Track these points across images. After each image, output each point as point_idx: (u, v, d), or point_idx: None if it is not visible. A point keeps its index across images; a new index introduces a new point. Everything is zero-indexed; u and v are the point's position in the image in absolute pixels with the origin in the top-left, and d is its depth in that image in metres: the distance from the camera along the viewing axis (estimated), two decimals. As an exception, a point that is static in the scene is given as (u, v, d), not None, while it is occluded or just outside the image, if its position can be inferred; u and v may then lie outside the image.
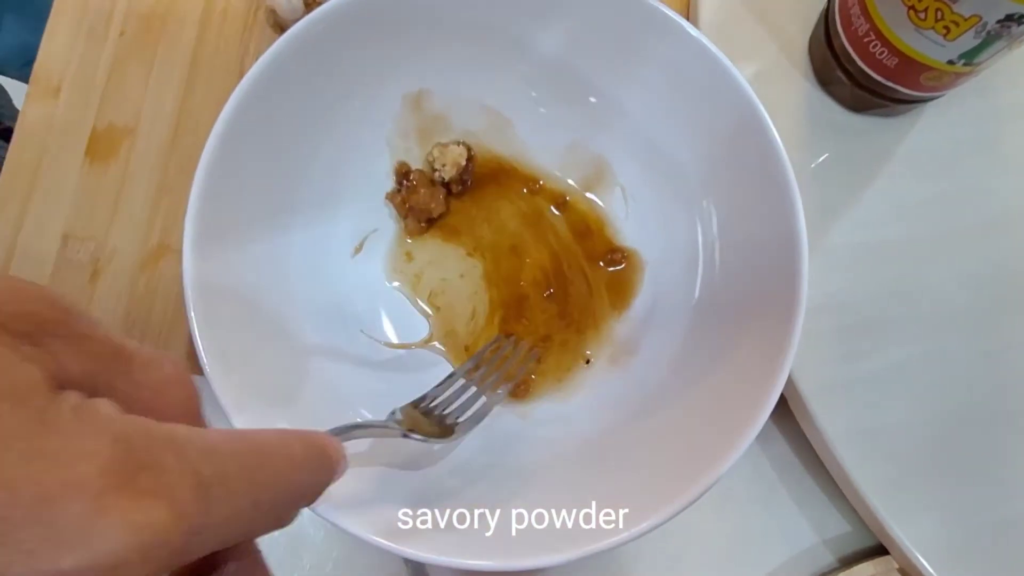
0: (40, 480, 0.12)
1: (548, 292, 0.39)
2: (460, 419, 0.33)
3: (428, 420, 0.32)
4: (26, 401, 0.13)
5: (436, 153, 0.39)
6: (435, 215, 0.39)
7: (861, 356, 0.40)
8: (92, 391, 0.15)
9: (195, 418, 0.18)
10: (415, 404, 0.33)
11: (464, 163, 0.39)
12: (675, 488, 0.29)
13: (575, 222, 0.40)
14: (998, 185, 0.42)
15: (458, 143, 0.39)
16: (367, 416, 0.34)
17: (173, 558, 0.14)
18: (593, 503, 0.31)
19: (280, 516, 0.17)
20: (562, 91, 0.39)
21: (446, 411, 0.33)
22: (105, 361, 0.16)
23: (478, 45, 0.37)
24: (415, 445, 0.31)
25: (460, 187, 0.40)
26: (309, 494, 0.19)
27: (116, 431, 0.14)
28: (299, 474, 0.18)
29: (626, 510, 0.29)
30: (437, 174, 0.39)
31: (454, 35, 0.36)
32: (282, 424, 0.31)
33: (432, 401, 0.34)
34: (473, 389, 0.35)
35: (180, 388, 0.17)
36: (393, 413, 0.32)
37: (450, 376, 0.35)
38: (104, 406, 0.14)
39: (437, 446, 0.34)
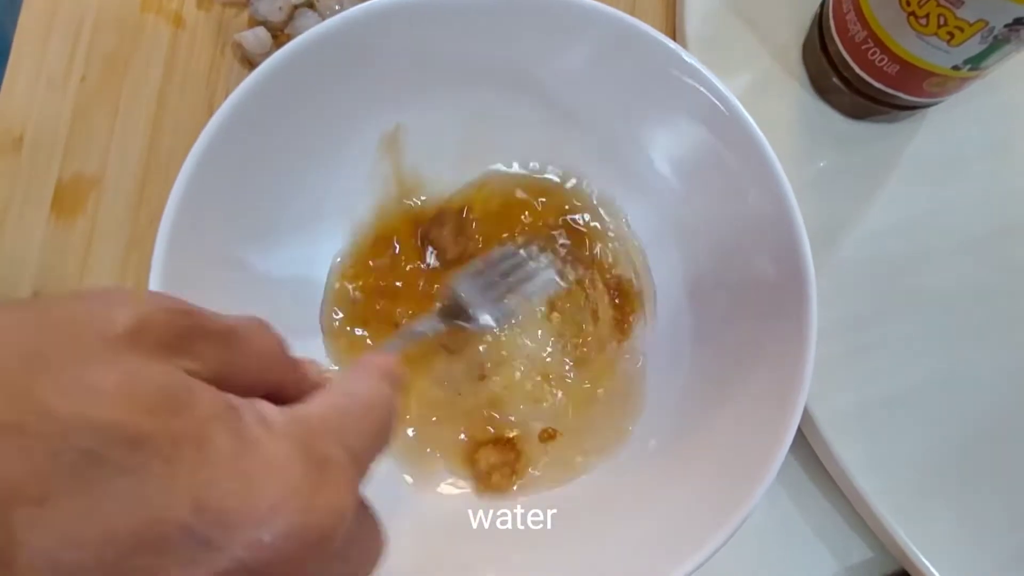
0: (266, 496, 0.15)
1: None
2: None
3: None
4: (227, 427, 0.16)
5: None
6: (448, 256, 0.38)
7: (876, 378, 0.38)
8: (223, 376, 0.17)
9: (291, 368, 0.20)
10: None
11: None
12: (691, 542, 0.28)
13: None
14: (1011, 187, 0.40)
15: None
16: None
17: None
18: (605, 564, 0.29)
19: (392, 435, 0.20)
20: (556, 120, 0.37)
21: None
22: (227, 346, 0.18)
23: (450, 73, 0.35)
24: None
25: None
26: (398, 414, 0.22)
27: (293, 437, 0.16)
28: (396, 405, 0.21)
29: (642, 570, 0.28)
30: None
31: (428, 67, 0.35)
32: None
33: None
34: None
35: (278, 351, 0.20)
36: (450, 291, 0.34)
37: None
38: (270, 411, 0.17)
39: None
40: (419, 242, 0.38)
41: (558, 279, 0.38)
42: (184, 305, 0.17)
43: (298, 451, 0.16)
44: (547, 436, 0.36)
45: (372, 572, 0.20)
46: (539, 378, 0.37)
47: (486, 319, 0.35)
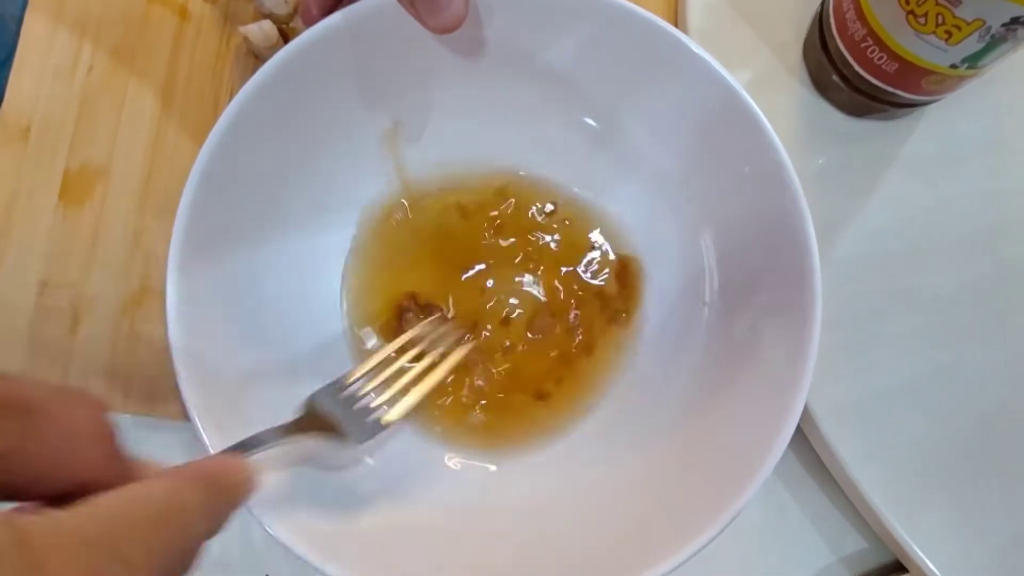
0: None
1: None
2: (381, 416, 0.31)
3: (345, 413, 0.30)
4: None
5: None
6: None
7: (873, 372, 0.38)
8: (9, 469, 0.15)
9: (111, 460, 0.18)
10: (333, 391, 0.31)
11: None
12: (688, 529, 0.28)
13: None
14: (1008, 184, 0.41)
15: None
16: None
17: None
18: (601, 548, 0.30)
19: (186, 561, 0.17)
20: (558, 110, 0.38)
21: (369, 403, 0.31)
22: (7, 427, 0.15)
23: (454, 67, 0.36)
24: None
25: None
26: (215, 528, 0.19)
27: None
28: (198, 520, 0.18)
29: (639, 555, 0.28)
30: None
31: (433, 61, 0.35)
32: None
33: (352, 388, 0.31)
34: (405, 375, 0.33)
35: (92, 438, 0.17)
36: (307, 403, 0.30)
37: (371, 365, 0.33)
38: None
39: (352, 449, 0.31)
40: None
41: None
42: None
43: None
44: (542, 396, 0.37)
45: None
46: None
47: (355, 438, 0.31)
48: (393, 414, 0.31)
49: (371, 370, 0.32)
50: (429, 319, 0.36)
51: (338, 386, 0.31)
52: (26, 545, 0.14)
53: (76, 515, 0.15)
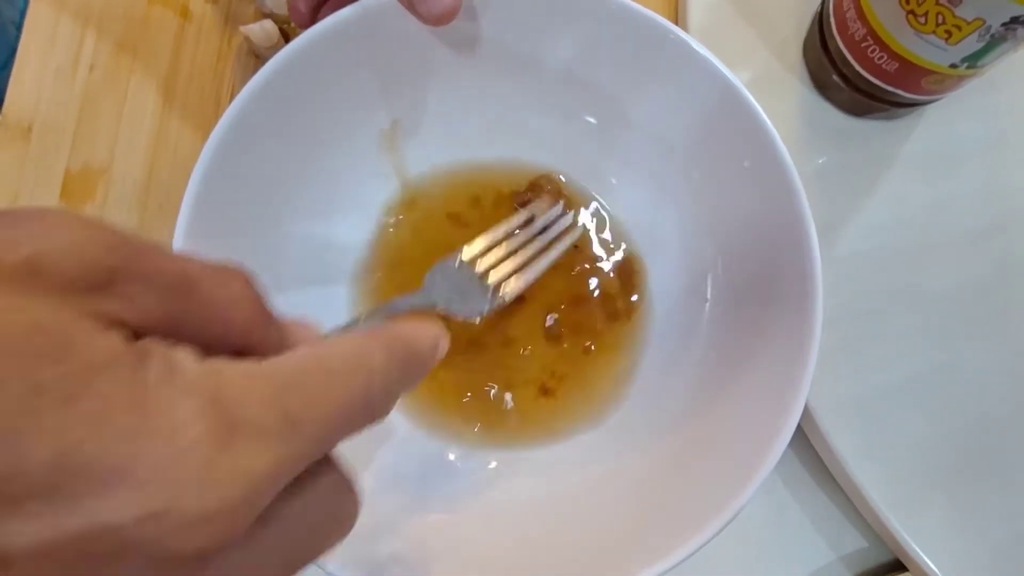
0: (152, 456, 0.13)
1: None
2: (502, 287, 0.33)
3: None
4: (116, 375, 0.13)
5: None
6: None
7: (872, 370, 0.38)
8: (167, 328, 0.15)
9: (266, 326, 0.18)
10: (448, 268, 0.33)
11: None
12: (687, 527, 0.28)
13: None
14: (1008, 183, 0.41)
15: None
16: None
17: (277, 488, 0.15)
18: (600, 545, 0.30)
19: (372, 415, 0.18)
20: (558, 107, 0.38)
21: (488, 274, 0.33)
22: (175, 292, 0.15)
23: (463, 67, 0.36)
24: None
25: None
26: (400, 389, 0.19)
27: (204, 392, 0.14)
28: (383, 381, 0.17)
29: (639, 552, 0.28)
30: None
31: (436, 58, 0.35)
32: None
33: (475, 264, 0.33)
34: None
35: (248, 303, 0.17)
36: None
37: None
38: (185, 360, 0.14)
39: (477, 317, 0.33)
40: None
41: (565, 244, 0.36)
42: (124, 240, 0.15)
43: (204, 409, 0.14)
44: (545, 391, 0.37)
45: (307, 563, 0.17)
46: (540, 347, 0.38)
47: (469, 311, 0.33)
48: (513, 288, 0.33)
49: (482, 251, 0.34)
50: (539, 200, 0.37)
51: (453, 263, 0.33)
52: (219, 376, 0.14)
53: (265, 363, 0.15)
